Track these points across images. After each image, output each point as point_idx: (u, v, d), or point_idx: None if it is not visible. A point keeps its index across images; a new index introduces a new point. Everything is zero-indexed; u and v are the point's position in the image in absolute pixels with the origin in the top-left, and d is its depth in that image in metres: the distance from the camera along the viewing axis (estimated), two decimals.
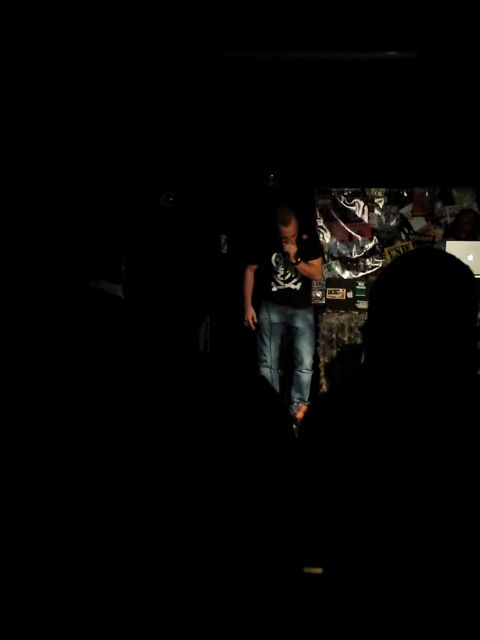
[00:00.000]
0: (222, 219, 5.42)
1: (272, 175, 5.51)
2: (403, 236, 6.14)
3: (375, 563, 1.17)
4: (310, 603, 1.24)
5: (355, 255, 6.20)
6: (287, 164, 5.80)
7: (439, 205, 6.07)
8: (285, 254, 4.88)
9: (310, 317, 5.20)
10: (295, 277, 5.04)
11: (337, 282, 5.67)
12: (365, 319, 1.32)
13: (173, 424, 1.15)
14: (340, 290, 5.32)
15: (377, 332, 1.25)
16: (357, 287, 5.20)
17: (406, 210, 6.12)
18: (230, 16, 4.31)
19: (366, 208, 6.17)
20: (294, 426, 5.11)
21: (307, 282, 5.14)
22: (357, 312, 5.02)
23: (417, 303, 1.19)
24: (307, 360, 5.13)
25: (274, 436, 1.19)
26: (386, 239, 6.16)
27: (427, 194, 6.07)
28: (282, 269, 4.98)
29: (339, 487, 1.20)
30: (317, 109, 5.48)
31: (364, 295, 5.08)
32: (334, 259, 6.18)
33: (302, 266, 4.94)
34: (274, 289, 5.08)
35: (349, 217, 6.19)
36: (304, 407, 5.16)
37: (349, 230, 6.19)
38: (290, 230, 4.83)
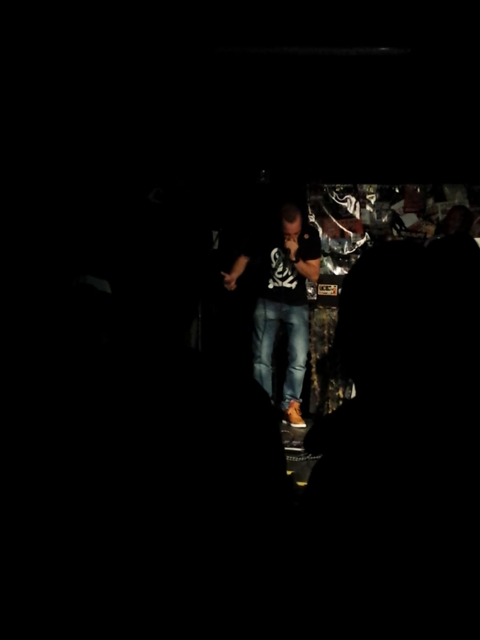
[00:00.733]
0: (214, 215, 5.41)
1: (264, 171, 5.49)
2: (395, 232, 6.14)
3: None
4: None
5: (346, 252, 6.20)
6: (279, 160, 5.79)
7: (430, 201, 6.07)
8: (286, 251, 4.87)
9: (306, 314, 5.20)
10: (291, 276, 5.05)
11: (329, 278, 5.67)
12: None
13: (157, 421, 1.14)
14: (332, 286, 5.32)
15: (360, 344, 1.06)
16: None
17: (398, 206, 6.13)
18: (223, 12, 4.30)
19: (358, 204, 6.17)
20: (284, 422, 5.12)
21: (302, 280, 5.15)
22: None
23: (396, 299, 1.02)
24: (301, 357, 5.13)
25: (259, 437, 1.18)
26: (378, 235, 6.16)
27: (418, 190, 6.08)
28: (281, 265, 4.98)
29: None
30: (310, 105, 5.48)
31: None
32: (325, 255, 6.18)
33: (301, 265, 4.94)
34: (271, 285, 5.08)
35: (341, 213, 6.18)
36: (296, 404, 5.17)
37: (340, 226, 6.18)
38: (294, 226, 4.82)
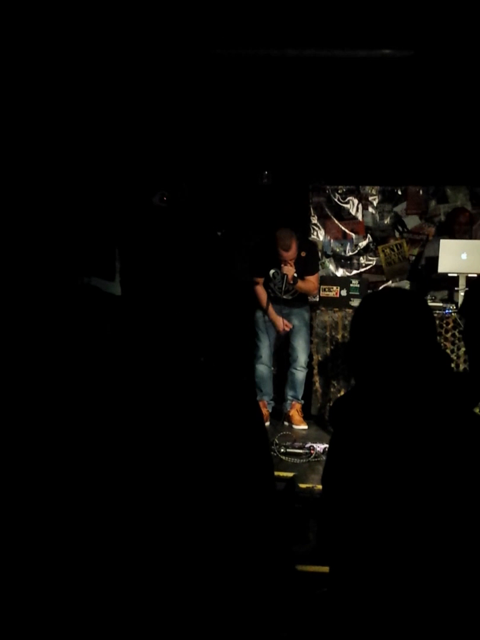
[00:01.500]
0: (217, 216, 5.41)
1: (266, 173, 5.50)
2: (397, 234, 6.15)
3: (377, 564, 1.19)
4: (305, 600, 1.25)
5: (349, 253, 6.21)
6: (282, 161, 5.79)
7: (433, 203, 6.07)
8: (284, 275, 4.91)
9: (307, 315, 5.21)
10: (291, 290, 5.07)
11: (331, 280, 5.65)
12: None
13: (152, 422, 1.16)
14: (334, 288, 5.31)
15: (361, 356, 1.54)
16: (351, 285, 5.18)
17: (400, 208, 6.13)
18: (226, 13, 4.30)
19: (360, 206, 6.17)
20: (286, 423, 5.13)
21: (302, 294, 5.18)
22: (350, 310, 5.00)
23: (388, 331, 1.49)
24: (302, 358, 5.14)
25: (245, 440, 1.20)
26: (380, 236, 6.17)
27: (421, 192, 6.08)
28: (280, 284, 5.02)
29: (349, 493, 1.43)
30: (312, 107, 5.48)
31: (357, 293, 5.06)
32: (327, 256, 6.18)
33: (300, 285, 4.98)
34: (271, 295, 5.13)
35: (343, 215, 6.19)
36: (297, 405, 5.17)
37: (343, 228, 6.19)
38: (290, 254, 4.86)
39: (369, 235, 6.18)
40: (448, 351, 4.49)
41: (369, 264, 6.18)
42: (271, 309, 5.13)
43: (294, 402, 5.17)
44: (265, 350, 5.16)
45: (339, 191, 6.16)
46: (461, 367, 4.48)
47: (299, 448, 4.30)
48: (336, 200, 6.17)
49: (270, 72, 5.12)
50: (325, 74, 5.14)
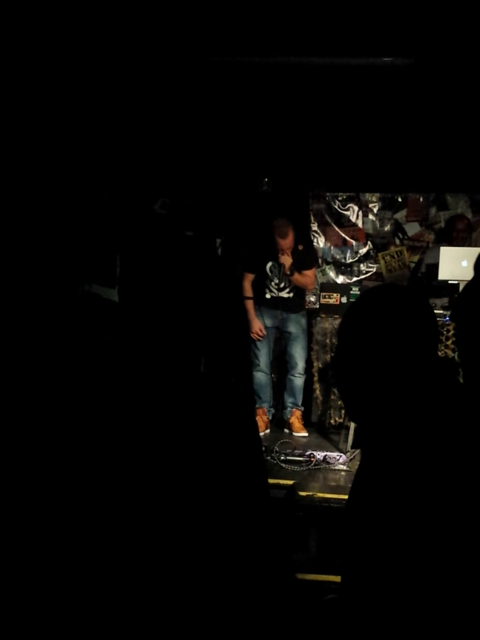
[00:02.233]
0: (217, 223, 5.42)
1: (266, 180, 5.51)
2: (397, 241, 6.15)
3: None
4: (305, 608, 1.25)
5: (349, 260, 6.21)
6: (282, 169, 5.80)
7: (433, 210, 6.08)
8: (281, 265, 4.89)
9: (304, 321, 5.20)
10: (288, 287, 5.05)
11: (331, 286, 5.66)
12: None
13: (152, 431, 1.16)
14: (334, 295, 5.32)
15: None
16: (351, 292, 5.19)
17: (400, 215, 6.14)
18: (225, 21, 4.31)
19: (360, 213, 6.18)
20: (286, 431, 5.12)
21: (300, 289, 5.15)
22: None
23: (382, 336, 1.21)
24: (300, 364, 5.13)
25: (238, 448, 1.20)
26: (380, 243, 6.17)
27: (421, 199, 6.09)
28: (277, 278, 5.00)
29: None
30: (312, 114, 5.50)
31: None
32: (328, 263, 6.19)
33: (296, 277, 4.95)
34: (268, 296, 5.09)
35: (344, 222, 6.19)
36: (297, 412, 5.16)
37: (343, 234, 6.20)
38: (287, 242, 4.83)
39: (369, 242, 6.18)
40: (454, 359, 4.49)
41: (369, 271, 6.18)
42: (252, 308, 5.10)
43: (294, 410, 5.16)
44: (263, 357, 5.15)
45: (339, 198, 6.17)
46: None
47: (299, 456, 4.29)
48: (336, 207, 6.18)
49: (271, 79, 5.13)
50: (325, 82, 5.15)
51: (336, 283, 6.06)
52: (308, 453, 4.32)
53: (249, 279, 5.10)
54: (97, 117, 4.86)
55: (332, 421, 5.24)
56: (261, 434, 4.92)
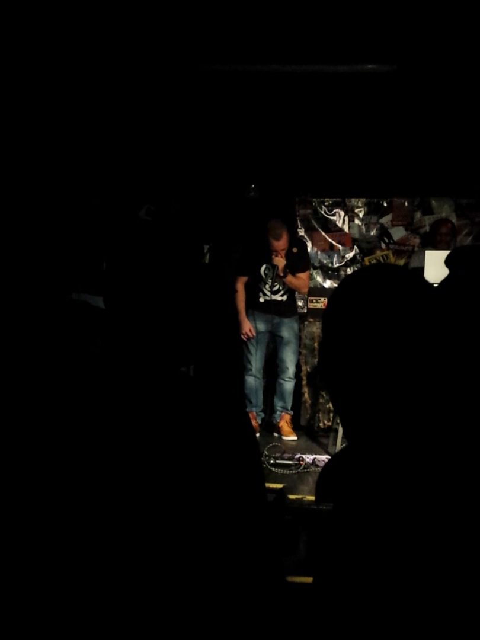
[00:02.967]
0: (204, 229, 5.44)
1: (253, 186, 5.54)
2: (383, 245, 6.21)
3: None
4: (297, 611, 1.26)
5: (336, 265, 6.25)
6: (269, 175, 5.84)
7: (418, 215, 6.14)
8: (274, 267, 4.90)
9: (296, 326, 5.22)
10: (282, 289, 5.07)
11: (319, 291, 5.70)
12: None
13: (144, 435, 1.17)
14: (322, 299, 5.36)
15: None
16: None
17: (386, 219, 6.19)
18: (212, 29, 4.35)
19: (347, 218, 6.23)
20: (276, 435, 5.14)
21: (293, 293, 5.17)
22: None
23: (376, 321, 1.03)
24: (291, 368, 5.15)
25: (234, 454, 1.21)
26: (366, 248, 6.22)
27: (406, 204, 6.15)
28: (271, 280, 5.01)
29: None
30: (298, 121, 5.54)
31: None
32: (315, 268, 6.22)
33: (290, 279, 4.96)
34: (261, 299, 5.10)
35: (330, 227, 6.24)
36: (287, 416, 5.18)
37: (329, 239, 6.24)
38: (281, 244, 4.84)
39: (355, 247, 6.23)
40: None
41: None
42: (243, 309, 5.11)
43: (283, 413, 5.18)
44: (255, 362, 5.17)
45: (326, 203, 6.21)
46: None
47: (289, 459, 4.32)
48: (323, 212, 6.22)
49: (256, 86, 5.17)
50: (310, 89, 5.19)
51: (323, 287, 6.09)
52: (297, 456, 4.35)
53: (242, 282, 5.12)
54: (84, 123, 4.87)
55: (321, 424, 5.27)
56: None
